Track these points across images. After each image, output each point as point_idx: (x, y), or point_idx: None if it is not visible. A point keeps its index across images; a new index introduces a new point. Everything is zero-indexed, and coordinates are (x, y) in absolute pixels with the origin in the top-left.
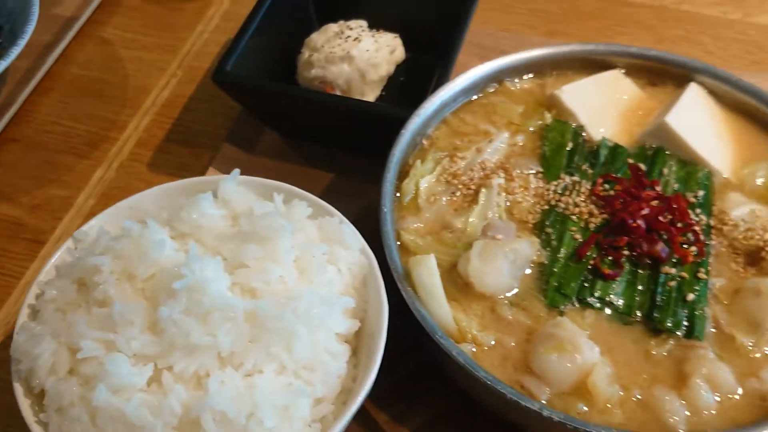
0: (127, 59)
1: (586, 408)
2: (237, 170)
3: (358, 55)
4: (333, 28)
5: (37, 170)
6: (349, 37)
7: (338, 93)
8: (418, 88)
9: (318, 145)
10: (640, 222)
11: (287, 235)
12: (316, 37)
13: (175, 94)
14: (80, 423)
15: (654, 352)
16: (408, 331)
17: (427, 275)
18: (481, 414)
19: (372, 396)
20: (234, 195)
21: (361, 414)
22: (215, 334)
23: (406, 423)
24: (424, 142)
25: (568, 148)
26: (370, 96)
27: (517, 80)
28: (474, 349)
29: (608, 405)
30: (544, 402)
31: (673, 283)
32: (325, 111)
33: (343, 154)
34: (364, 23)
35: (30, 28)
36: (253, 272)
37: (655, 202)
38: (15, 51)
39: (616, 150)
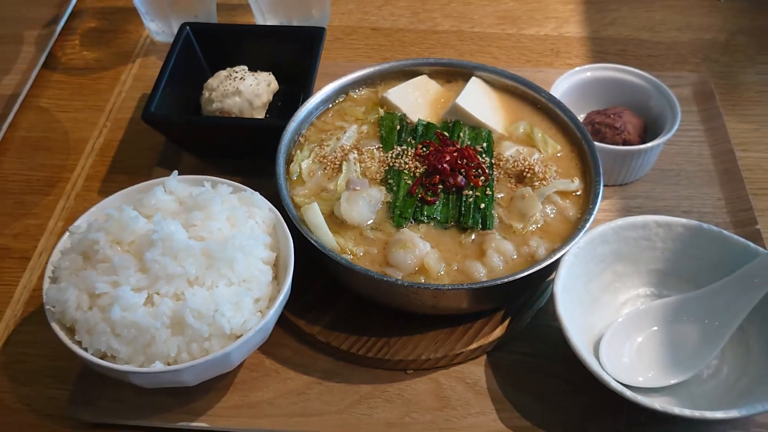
0: (63, 120)
1: (424, 279)
2: (175, 172)
3: (245, 89)
4: (223, 73)
5: (10, 209)
6: (236, 77)
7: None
8: (291, 108)
9: (226, 159)
10: (445, 165)
11: (218, 202)
12: (212, 81)
13: (108, 139)
14: (104, 334)
15: (464, 241)
16: (311, 264)
17: (314, 216)
18: (366, 305)
19: (292, 311)
20: (176, 187)
21: (286, 322)
22: (184, 266)
23: (318, 323)
24: (300, 139)
25: (397, 129)
26: (258, 117)
27: (358, 90)
28: (351, 258)
29: (439, 274)
30: (400, 278)
31: (471, 200)
32: (229, 131)
33: (246, 162)
34: (245, 67)
35: None
36: (200, 228)
37: (454, 153)
38: None
39: (428, 126)
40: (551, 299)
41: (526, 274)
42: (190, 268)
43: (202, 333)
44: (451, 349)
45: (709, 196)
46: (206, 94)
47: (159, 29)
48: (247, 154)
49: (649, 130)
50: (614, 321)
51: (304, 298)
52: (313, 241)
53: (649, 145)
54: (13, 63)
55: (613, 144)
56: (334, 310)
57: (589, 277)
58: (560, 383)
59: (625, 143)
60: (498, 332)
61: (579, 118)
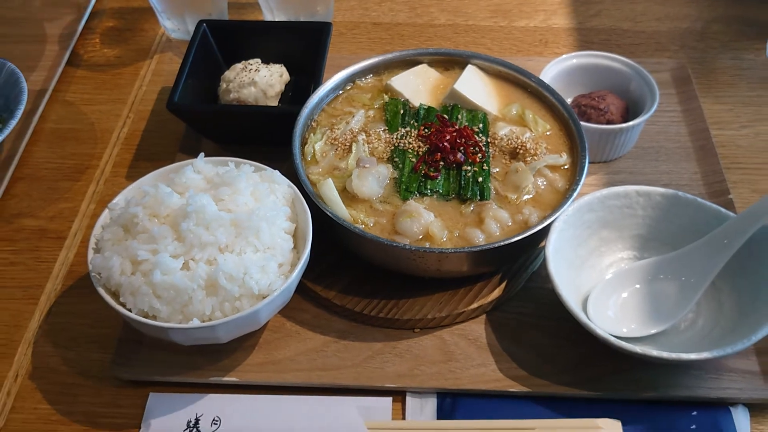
0: (89, 113)
1: (429, 245)
2: (203, 153)
3: (259, 80)
4: (239, 65)
5: (44, 194)
6: (251, 69)
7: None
8: (301, 97)
9: (243, 145)
10: (446, 144)
11: (243, 179)
12: (228, 73)
13: (132, 129)
14: (147, 296)
15: (464, 211)
16: (326, 237)
17: (329, 191)
18: (376, 271)
19: (309, 278)
20: (204, 167)
21: (304, 289)
22: (215, 235)
23: (333, 289)
24: (313, 123)
25: (401, 113)
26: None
27: (364, 79)
28: (363, 227)
29: (443, 240)
30: (407, 244)
31: (470, 174)
32: (247, 117)
33: (261, 148)
34: (258, 60)
35: (23, 100)
36: (228, 202)
37: (454, 133)
38: (14, 120)
39: (429, 110)
40: (544, 263)
41: (520, 237)
42: (221, 236)
43: (233, 293)
44: (454, 308)
45: (687, 170)
46: (223, 85)
47: (174, 27)
48: (263, 140)
49: (630, 111)
50: (600, 280)
51: (319, 267)
52: (329, 213)
53: (630, 123)
54: (39, 60)
55: (597, 124)
56: (347, 276)
57: (578, 242)
58: (553, 338)
59: (609, 123)
60: (496, 293)
61: (566, 101)
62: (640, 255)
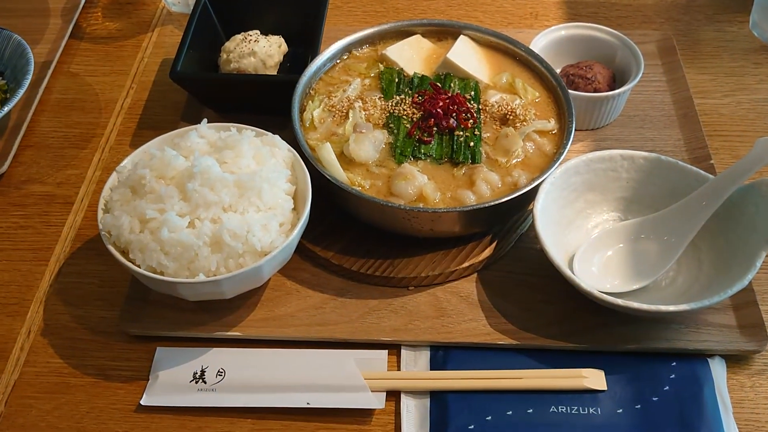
0: (93, 83)
1: (423, 205)
2: (206, 119)
3: (259, 50)
4: (239, 36)
5: (52, 161)
6: (250, 40)
7: None
8: (299, 68)
9: (243, 113)
10: (439, 110)
11: (246, 143)
12: (229, 44)
13: (135, 99)
14: (155, 252)
15: (456, 174)
16: (324, 199)
17: (327, 154)
18: (372, 231)
19: (308, 239)
20: (207, 132)
21: (303, 250)
22: (220, 195)
23: (331, 249)
24: (311, 91)
25: (396, 82)
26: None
27: (360, 49)
28: (360, 189)
29: (436, 201)
30: (402, 204)
31: (462, 139)
32: (248, 86)
33: (261, 116)
34: (257, 31)
35: (30, 71)
36: (231, 164)
37: (447, 100)
38: (22, 90)
39: (423, 78)
40: (532, 225)
41: (509, 198)
42: (225, 197)
43: (237, 250)
44: (446, 267)
45: (671, 137)
46: (224, 55)
47: (175, 0)
48: (263, 108)
49: (617, 81)
50: (586, 240)
51: (318, 228)
52: (327, 176)
53: (616, 91)
54: (44, 33)
55: (585, 92)
56: (344, 237)
57: (564, 204)
58: (541, 295)
59: (596, 91)
60: (486, 253)
61: (555, 70)
62: (624, 216)
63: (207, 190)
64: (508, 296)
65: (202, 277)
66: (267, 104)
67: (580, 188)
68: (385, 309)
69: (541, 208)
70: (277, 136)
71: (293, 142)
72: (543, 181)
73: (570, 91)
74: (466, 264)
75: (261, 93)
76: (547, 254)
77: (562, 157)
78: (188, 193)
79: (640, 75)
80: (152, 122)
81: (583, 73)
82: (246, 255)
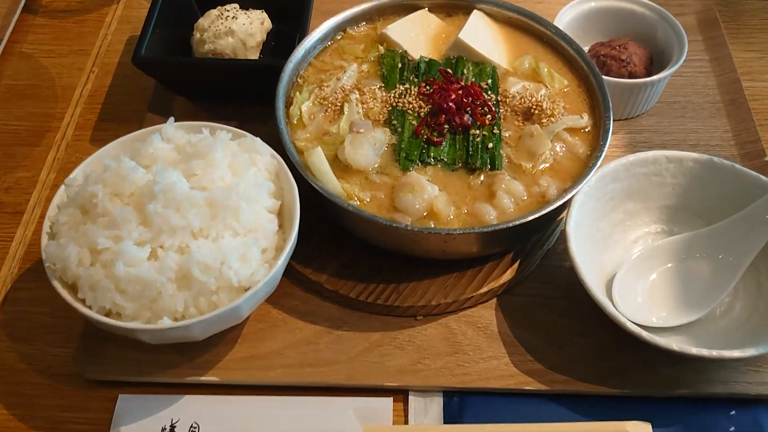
0: (49, 66)
1: (434, 224)
2: (172, 118)
3: (238, 29)
4: (214, 12)
5: None
6: (227, 17)
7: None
8: (286, 48)
9: (220, 103)
10: (451, 104)
11: (219, 149)
12: (203, 21)
13: (96, 85)
14: (108, 290)
15: (472, 183)
16: (314, 209)
17: (319, 162)
18: (371, 250)
19: (297, 259)
20: (174, 134)
21: (292, 271)
22: (187, 217)
23: (324, 271)
24: (299, 80)
25: (398, 67)
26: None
27: (356, 27)
28: (358, 204)
29: (449, 218)
30: (408, 223)
31: (479, 140)
32: (223, 72)
33: (241, 105)
34: (236, 5)
35: None
36: (201, 177)
37: (460, 91)
38: None
39: (430, 63)
40: (560, 239)
41: (538, 215)
42: (194, 219)
43: (209, 286)
44: (461, 293)
45: (717, 128)
46: (197, 35)
47: None
48: (243, 96)
49: (655, 62)
50: (626, 259)
51: (308, 245)
52: (318, 188)
53: (656, 77)
54: None
55: (618, 77)
56: (339, 256)
57: (600, 216)
58: (572, 323)
59: (631, 76)
60: (508, 275)
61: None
62: (669, 228)
63: (172, 212)
64: (533, 326)
65: (166, 322)
66: (248, 91)
67: (618, 197)
68: (389, 344)
69: (574, 224)
70: (258, 140)
71: (278, 142)
72: (577, 192)
73: (603, 77)
74: (483, 289)
75: (239, 80)
76: (583, 282)
77: (599, 162)
78: (149, 215)
79: (684, 56)
80: (116, 113)
81: (616, 54)
82: (220, 292)
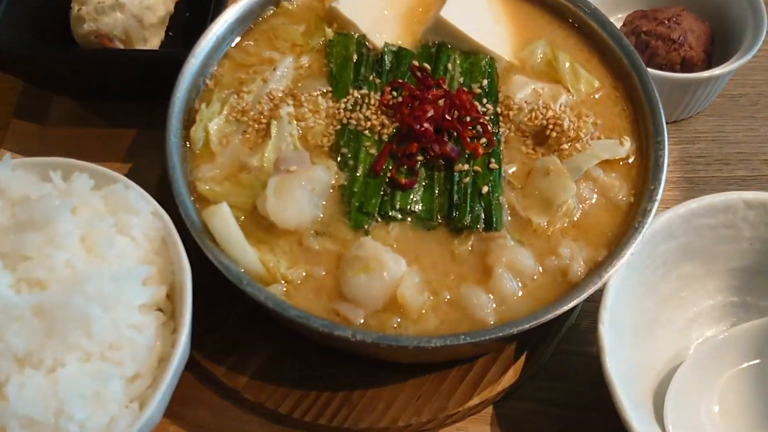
0: None
1: (399, 321)
2: (7, 155)
3: (128, 1)
4: None
5: None
6: None
7: (118, 45)
8: (204, 23)
9: (114, 102)
10: (426, 125)
11: (66, 215)
12: None
13: None
14: None
15: (458, 252)
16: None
17: (223, 225)
18: (310, 344)
19: (205, 352)
20: (9, 181)
21: (199, 370)
22: (4, 337)
23: (244, 371)
24: (208, 82)
25: (353, 61)
26: (155, 40)
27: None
28: (285, 288)
29: (422, 311)
30: (361, 322)
31: (467, 180)
32: (99, 68)
33: (142, 106)
34: None
35: None
36: (36, 263)
37: (441, 101)
38: None
39: (399, 54)
40: (585, 313)
41: (555, 314)
42: (16, 339)
43: None
44: (441, 408)
45: None
46: (75, 8)
47: None
48: (142, 97)
49: (716, 41)
50: (681, 350)
51: (219, 332)
52: (221, 268)
53: (721, 70)
54: None
55: (666, 64)
56: (264, 350)
57: (645, 291)
58: None
59: (684, 62)
60: (509, 377)
61: (615, 23)
62: (742, 300)
63: None
64: None
65: None
66: (144, 89)
67: (671, 259)
68: None
69: (609, 315)
70: (133, 189)
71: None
72: (616, 270)
73: (651, 71)
74: (474, 401)
75: (127, 77)
76: (620, 410)
77: (650, 218)
78: None
79: (762, 39)
80: None
81: (665, 32)
82: None
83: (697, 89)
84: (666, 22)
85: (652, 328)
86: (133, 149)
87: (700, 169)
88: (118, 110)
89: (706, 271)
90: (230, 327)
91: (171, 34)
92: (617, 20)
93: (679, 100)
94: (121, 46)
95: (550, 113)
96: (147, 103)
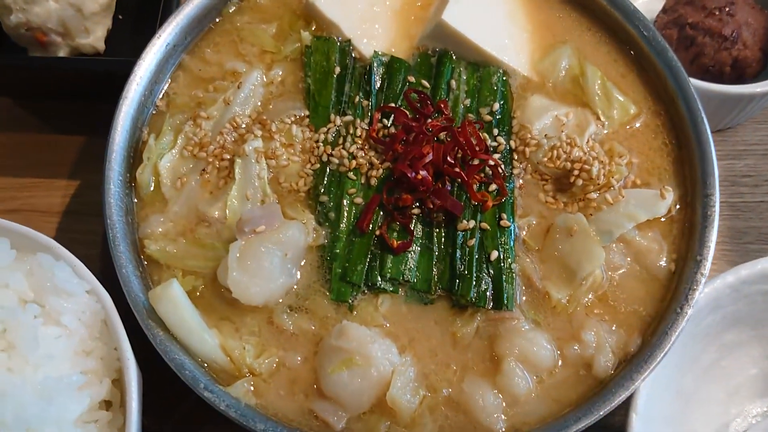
0: None
1: (389, 425)
2: None
3: None
4: None
5: None
6: None
7: (55, 39)
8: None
9: (56, 101)
10: (423, 173)
11: None
12: None
13: None
14: None
15: (460, 334)
16: None
17: (173, 311)
18: None
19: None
20: None
21: None
22: None
23: None
24: (159, 103)
25: (335, 73)
26: (99, 30)
27: None
28: (252, 387)
29: (417, 414)
30: (342, 426)
31: (473, 242)
32: (28, 75)
33: (87, 105)
34: None
35: None
36: None
37: (443, 134)
38: None
39: (392, 66)
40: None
41: (578, 429)
42: None
43: None
44: None
45: None
46: None
47: None
48: (86, 97)
49: None
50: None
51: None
52: (173, 366)
53: None
54: None
55: (715, 65)
56: None
57: (684, 370)
58: None
59: (735, 62)
60: None
61: (656, 4)
62: None
63: None
64: None
65: None
66: (87, 91)
67: (714, 330)
68: None
69: (643, 411)
70: (64, 266)
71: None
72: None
73: (692, 80)
74: None
75: (63, 83)
76: None
77: (697, 294)
78: None
79: None
80: None
81: (715, 26)
82: None
83: (749, 102)
84: (717, 12)
85: (689, 406)
86: (78, 165)
87: (746, 192)
88: (61, 110)
89: (751, 337)
90: (183, 414)
91: (121, 17)
92: (658, 2)
93: (726, 113)
94: (59, 40)
95: (576, 153)
96: (93, 102)
